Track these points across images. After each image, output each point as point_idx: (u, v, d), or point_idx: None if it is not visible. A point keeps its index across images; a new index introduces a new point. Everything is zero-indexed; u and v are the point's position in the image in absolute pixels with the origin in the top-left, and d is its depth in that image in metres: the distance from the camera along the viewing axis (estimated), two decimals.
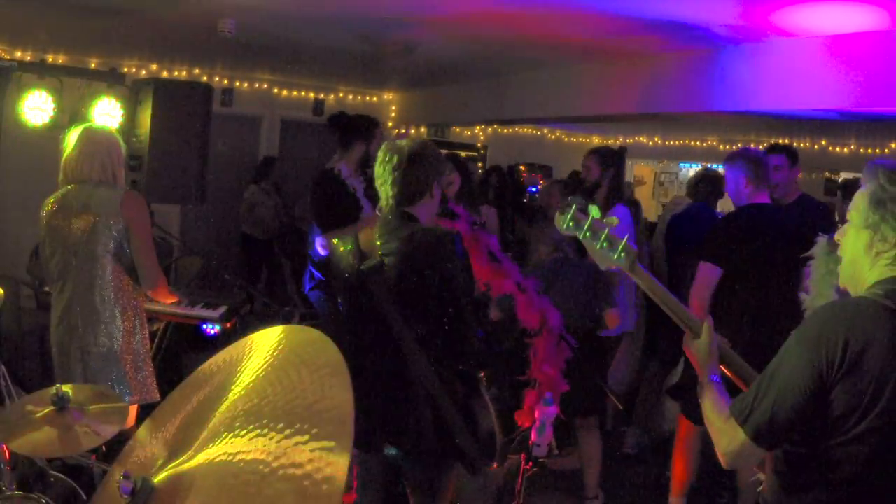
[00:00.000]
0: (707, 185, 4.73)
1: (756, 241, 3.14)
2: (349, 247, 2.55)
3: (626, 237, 1.87)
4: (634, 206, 5.47)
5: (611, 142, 11.37)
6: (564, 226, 1.95)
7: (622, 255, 1.87)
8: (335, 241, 2.69)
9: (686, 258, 3.88)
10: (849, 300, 1.64)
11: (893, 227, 1.59)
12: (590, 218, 1.93)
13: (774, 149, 3.90)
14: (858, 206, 1.66)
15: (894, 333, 1.49)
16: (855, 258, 1.68)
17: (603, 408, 4.09)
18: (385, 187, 2.51)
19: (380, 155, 2.54)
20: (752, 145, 9.37)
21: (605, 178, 4.05)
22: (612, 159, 4.12)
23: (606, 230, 1.89)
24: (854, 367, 1.48)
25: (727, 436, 1.61)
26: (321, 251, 4.20)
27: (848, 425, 1.50)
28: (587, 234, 1.91)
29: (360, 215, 4.09)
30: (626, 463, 4.50)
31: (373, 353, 2.48)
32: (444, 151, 5.16)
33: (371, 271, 2.42)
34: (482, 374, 2.76)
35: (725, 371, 1.81)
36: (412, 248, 2.42)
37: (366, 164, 4.14)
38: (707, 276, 3.17)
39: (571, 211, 1.94)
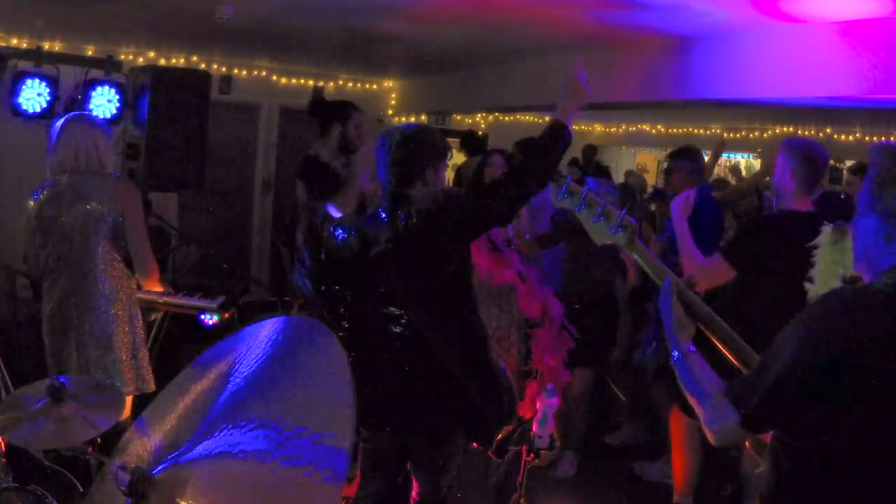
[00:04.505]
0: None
1: (782, 256, 2.94)
2: (344, 235, 2.55)
3: (623, 211, 1.79)
4: (627, 192, 5.38)
5: (613, 130, 11.34)
6: (560, 197, 1.85)
7: (619, 230, 1.78)
8: (336, 224, 2.68)
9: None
10: (856, 288, 1.56)
11: None
12: (586, 190, 1.84)
13: None
14: (865, 190, 1.61)
15: None
16: (866, 245, 1.61)
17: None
18: (384, 172, 2.50)
19: (378, 141, 2.54)
20: (756, 133, 9.34)
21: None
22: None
23: (603, 203, 1.80)
24: (859, 361, 1.41)
25: (718, 415, 1.57)
26: (335, 213, 4.31)
27: (848, 421, 1.44)
28: (583, 207, 1.82)
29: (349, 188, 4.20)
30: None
31: (383, 334, 2.49)
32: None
33: (379, 255, 2.43)
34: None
35: (714, 341, 1.78)
36: (423, 218, 2.42)
37: (346, 146, 4.31)
38: (723, 272, 3.01)
39: (567, 182, 1.85)
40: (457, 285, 2.48)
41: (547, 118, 9.67)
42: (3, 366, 3.05)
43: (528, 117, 9.63)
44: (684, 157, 4.07)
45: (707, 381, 1.65)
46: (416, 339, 2.43)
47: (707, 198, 3.88)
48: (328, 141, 4.39)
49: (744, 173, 9.52)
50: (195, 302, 3.82)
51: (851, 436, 1.46)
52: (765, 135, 9.23)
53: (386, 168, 2.48)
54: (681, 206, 3.17)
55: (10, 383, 3.06)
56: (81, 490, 2.67)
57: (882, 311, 1.44)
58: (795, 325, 1.53)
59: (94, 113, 4.59)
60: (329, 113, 4.40)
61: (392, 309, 2.45)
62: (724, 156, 10.10)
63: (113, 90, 4.77)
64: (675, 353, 1.74)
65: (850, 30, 3.60)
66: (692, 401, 1.66)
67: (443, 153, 2.56)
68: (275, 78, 7.65)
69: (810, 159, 3.00)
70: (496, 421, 2.57)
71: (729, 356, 1.76)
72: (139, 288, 3.24)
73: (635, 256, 1.83)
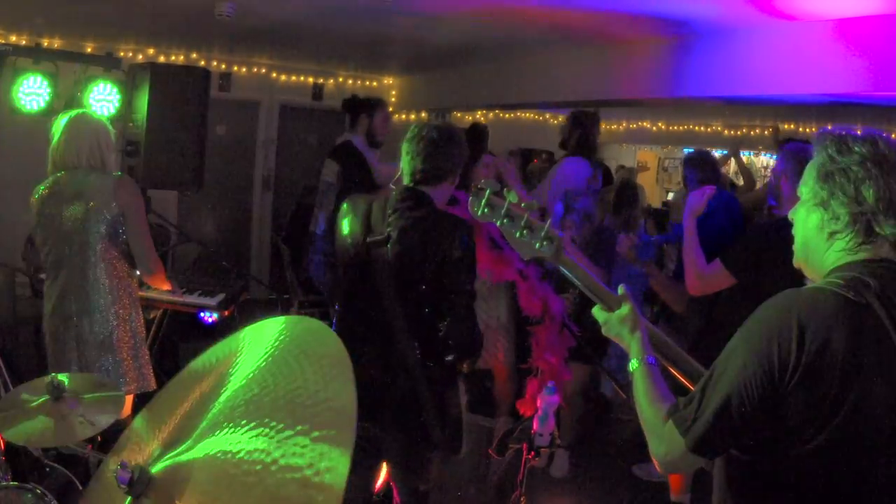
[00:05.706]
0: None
1: (779, 263, 2.92)
2: (350, 217, 2.52)
3: (547, 223, 1.68)
4: (632, 189, 5.36)
5: (613, 127, 11.32)
6: (479, 212, 1.73)
7: (545, 243, 1.66)
8: (345, 206, 2.63)
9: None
10: (804, 290, 1.41)
11: (843, 202, 1.40)
12: (506, 202, 1.71)
13: None
14: (807, 180, 1.49)
15: (856, 330, 1.29)
16: (807, 240, 1.49)
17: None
18: (411, 162, 2.46)
19: (413, 130, 2.49)
20: (757, 131, 9.32)
21: (573, 138, 4.72)
22: (581, 121, 4.76)
23: (526, 215, 1.68)
24: (810, 370, 1.29)
25: (664, 442, 1.43)
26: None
27: (804, 436, 1.32)
28: (504, 220, 1.70)
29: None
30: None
31: (363, 326, 2.48)
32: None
33: (376, 244, 2.40)
34: (465, 364, 2.77)
35: (667, 366, 1.65)
36: (422, 230, 2.39)
37: (372, 137, 4.80)
38: (723, 279, 2.96)
39: (486, 195, 1.72)
40: (451, 290, 2.43)
41: (547, 115, 9.59)
42: (2, 364, 3.05)
43: (528, 114, 9.62)
44: (689, 166, 3.91)
45: (659, 402, 1.50)
46: (394, 339, 2.40)
47: (716, 210, 3.68)
48: (357, 132, 4.82)
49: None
50: (195, 300, 3.82)
51: (806, 455, 1.34)
52: (766, 132, 9.21)
53: (418, 160, 2.43)
54: (694, 204, 3.12)
55: (9, 381, 3.06)
56: (81, 488, 2.67)
57: (833, 315, 1.31)
58: (740, 336, 1.40)
59: (94, 110, 4.58)
60: (358, 107, 4.88)
61: (380, 304, 2.42)
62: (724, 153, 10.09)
63: (112, 87, 4.75)
64: (634, 363, 1.62)
65: (849, 27, 3.60)
66: (641, 419, 1.52)
67: (466, 156, 2.57)
68: (274, 75, 7.64)
69: (802, 164, 2.93)
70: (440, 445, 2.49)
71: (680, 377, 1.64)
72: (143, 286, 3.24)
73: (565, 271, 1.70)
